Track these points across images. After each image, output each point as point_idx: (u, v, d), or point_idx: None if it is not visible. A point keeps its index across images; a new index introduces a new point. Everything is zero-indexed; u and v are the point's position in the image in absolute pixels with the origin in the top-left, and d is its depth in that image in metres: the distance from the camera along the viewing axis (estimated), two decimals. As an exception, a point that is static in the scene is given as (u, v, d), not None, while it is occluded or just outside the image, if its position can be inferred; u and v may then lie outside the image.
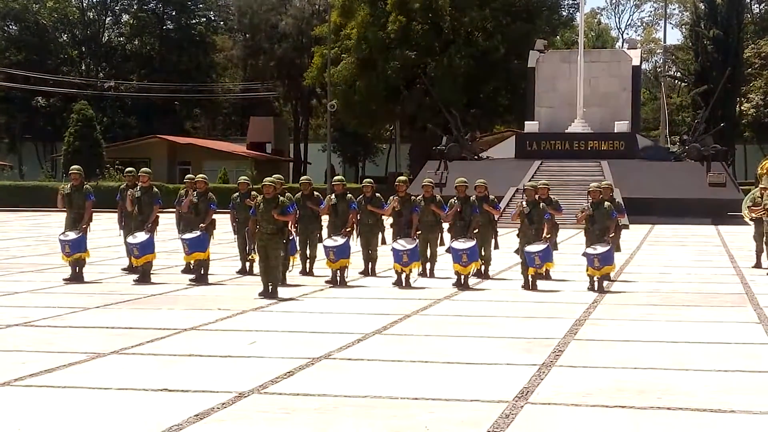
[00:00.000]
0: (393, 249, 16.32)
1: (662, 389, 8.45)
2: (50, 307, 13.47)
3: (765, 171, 27.87)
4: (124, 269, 17.94)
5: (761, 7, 79.21)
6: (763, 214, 19.47)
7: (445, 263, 17.18)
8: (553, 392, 8.36)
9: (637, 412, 7.71)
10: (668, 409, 7.79)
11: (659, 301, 14.49)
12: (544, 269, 16.39)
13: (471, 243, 16.17)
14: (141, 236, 16.49)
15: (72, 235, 16.65)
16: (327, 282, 16.39)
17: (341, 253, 16.25)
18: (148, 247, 16.44)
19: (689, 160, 43.79)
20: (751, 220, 20.43)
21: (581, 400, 8.06)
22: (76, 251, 16.56)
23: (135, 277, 16.66)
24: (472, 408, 7.83)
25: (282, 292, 14.81)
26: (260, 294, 14.58)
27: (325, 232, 17.32)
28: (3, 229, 31.53)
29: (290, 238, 15.46)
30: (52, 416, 7.60)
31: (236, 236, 17.79)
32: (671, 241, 28.42)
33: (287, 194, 16.04)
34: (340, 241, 16.45)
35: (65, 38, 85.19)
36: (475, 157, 46.53)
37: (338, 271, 16.34)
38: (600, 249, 15.60)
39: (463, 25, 56.81)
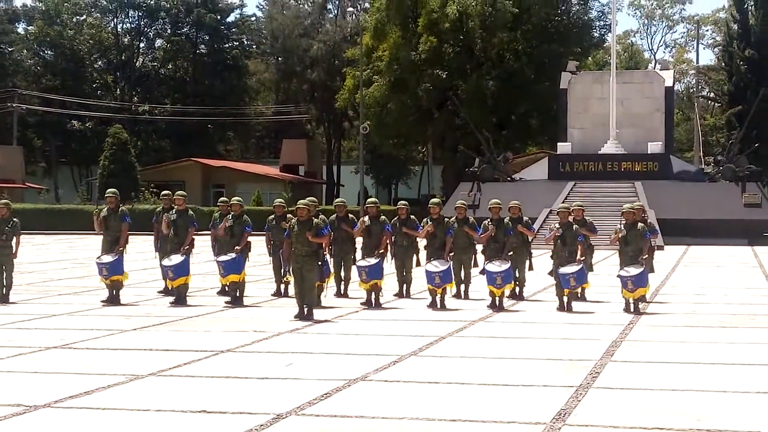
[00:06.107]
0: (426, 271, 16.34)
1: (701, 411, 8.40)
2: (88, 329, 13.59)
3: None
4: (160, 292, 18.08)
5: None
6: None
7: (479, 285, 17.16)
8: (590, 414, 8.33)
9: (676, 434, 7.67)
10: (707, 431, 7.74)
11: (696, 323, 14.40)
12: (579, 290, 16.35)
13: (506, 265, 16.15)
14: (176, 258, 16.60)
15: (109, 258, 16.82)
16: (362, 304, 16.43)
17: (374, 273, 16.27)
18: (183, 269, 16.55)
19: (724, 181, 43.52)
20: None
21: (619, 422, 8.02)
22: (113, 274, 16.72)
23: (171, 299, 16.79)
24: (510, 430, 7.82)
25: (317, 314, 14.86)
26: (296, 316, 14.65)
27: (359, 254, 17.37)
28: (40, 252, 31.84)
29: (324, 259, 15.52)
30: (93, 437, 7.67)
31: (271, 258, 17.89)
32: (707, 262, 28.21)
33: (321, 216, 16.11)
34: (372, 261, 16.49)
35: (100, 63, 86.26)
36: (508, 178, 46.48)
37: (373, 293, 16.37)
38: (633, 271, 15.54)
39: (493, 47, 56.88)
